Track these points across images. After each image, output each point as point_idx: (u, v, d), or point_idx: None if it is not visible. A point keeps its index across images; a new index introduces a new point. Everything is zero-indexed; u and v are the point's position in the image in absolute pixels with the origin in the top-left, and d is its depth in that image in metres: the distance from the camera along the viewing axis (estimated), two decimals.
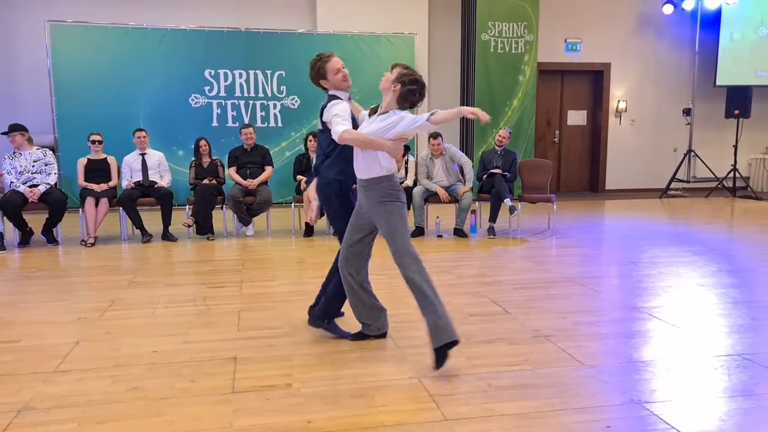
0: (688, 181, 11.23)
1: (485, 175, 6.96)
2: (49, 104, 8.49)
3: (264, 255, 5.90)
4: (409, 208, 6.77)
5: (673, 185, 10.90)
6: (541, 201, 7.11)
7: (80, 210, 6.54)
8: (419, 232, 6.78)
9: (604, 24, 11.07)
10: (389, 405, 2.58)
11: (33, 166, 6.33)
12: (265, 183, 6.92)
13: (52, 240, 6.39)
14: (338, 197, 3.36)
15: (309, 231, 6.89)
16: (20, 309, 4.05)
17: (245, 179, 6.81)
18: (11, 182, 6.25)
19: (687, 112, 10.92)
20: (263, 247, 6.31)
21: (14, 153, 6.37)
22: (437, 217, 7.07)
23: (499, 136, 7.08)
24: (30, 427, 2.40)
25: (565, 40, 10.99)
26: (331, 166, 3.35)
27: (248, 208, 6.80)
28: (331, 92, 3.37)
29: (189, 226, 6.57)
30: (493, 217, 6.80)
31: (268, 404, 2.60)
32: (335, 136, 3.09)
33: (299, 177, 7.05)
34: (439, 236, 6.78)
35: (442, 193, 6.72)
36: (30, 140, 6.45)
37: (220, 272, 5.11)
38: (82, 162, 6.67)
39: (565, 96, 11.42)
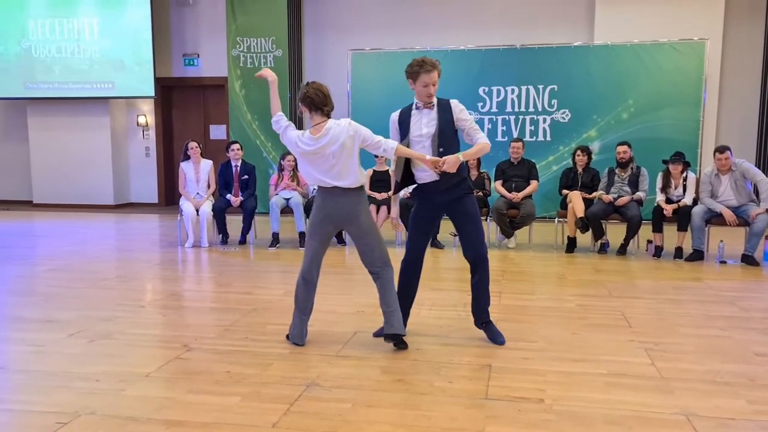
0: None
1: None
2: None
3: (524, 268, 5.95)
4: (686, 229, 6.18)
5: None
6: None
7: None
8: (698, 256, 6.14)
9: None
10: None
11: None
12: (529, 197, 6.96)
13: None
14: None
15: (571, 246, 6.73)
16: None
17: (510, 192, 6.93)
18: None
19: None
20: (524, 260, 6.35)
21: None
22: (721, 240, 6.31)
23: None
24: (315, 401, 2.83)
25: None
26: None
27: (511, 221, 6.91)
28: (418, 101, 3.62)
29: (455, 235, 6.92)
30: None
31: (519, 416, 2.66)
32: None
33: (565, 191, 6.94)
34: (722, 262, 6.07)
35: (729, 215, 5.99)
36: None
37: None
38: (367, 173, 7.47)
39: None
